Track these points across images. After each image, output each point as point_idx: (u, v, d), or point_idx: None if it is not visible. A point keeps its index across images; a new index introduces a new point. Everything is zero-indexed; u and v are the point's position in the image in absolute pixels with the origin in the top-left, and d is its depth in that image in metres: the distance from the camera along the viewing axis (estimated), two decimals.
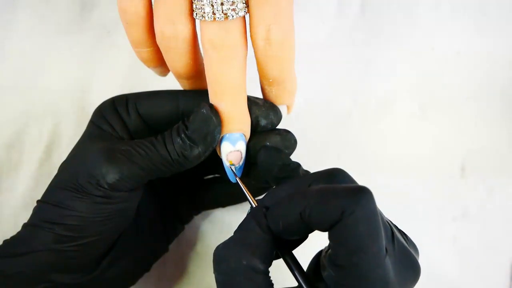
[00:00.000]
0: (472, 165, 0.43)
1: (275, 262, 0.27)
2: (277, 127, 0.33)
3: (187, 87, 0.34)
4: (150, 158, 0.30)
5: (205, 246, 0.42)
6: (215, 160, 0.33)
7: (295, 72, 0.32)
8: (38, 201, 0.32)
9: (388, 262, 0.25)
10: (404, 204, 0.42)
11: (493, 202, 0.42)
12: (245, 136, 0.32)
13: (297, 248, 0.29)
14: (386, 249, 0.25)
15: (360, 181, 0.28)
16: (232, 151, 0.31)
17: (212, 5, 0.28)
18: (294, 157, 0.32)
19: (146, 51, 0.32)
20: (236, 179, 0.32)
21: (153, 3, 0.30)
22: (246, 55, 0.30)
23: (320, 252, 0.29)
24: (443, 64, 0.45)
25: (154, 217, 0.37)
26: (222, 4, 0.28)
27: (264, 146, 0.32)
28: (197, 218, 0.41)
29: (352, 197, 0.24)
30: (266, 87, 0.32)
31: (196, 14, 0.28)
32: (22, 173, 0.43)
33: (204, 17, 0.28)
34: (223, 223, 0.42)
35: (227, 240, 0.27)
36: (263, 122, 0.32)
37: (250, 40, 0.30)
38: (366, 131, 0.44)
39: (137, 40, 0.32)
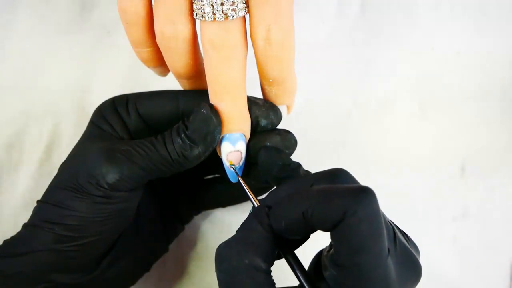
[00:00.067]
0: (472, 165, 0.43)
1: (276, 262, 0.27)
2: (277, 127, 0.33)
3: (187, 87, 0.34)
4: (150, 158, 0.30)
5: (205, 246, 0.42)
6: (215, 160, 0.33)
7: (295, 72, 0.32)
8: (38, 201, 0.32)
9: (390, 262, 0.25)
10: (404, 204, 0.42)
11: (493, 202, 0.42)
12: (245, 136, 0.32)
13: (298, 248, 0.29)
14: (388, 249, 0.25)
15: (360, 181, 0.28)
16: (232, 151, 0.31)
17: (212, 5, 0.28)
18: (294, 157, 0.32)
19: (146, 51, 0.32)
20: (238, 179, 0.32)
21: (153, 3, 0.30)
22: (246, 55, 0.30)
23: (321, 252, 0.29)
24: (443, 64, 0.45)
25: (154, 217, 0.37)
26: (222, 4, 0.28)
27: (264, 146, 0.32)
28: (197, 218, 0.41)
29: (354, 197, 0.24)
30: (266, 87, 0.32)
31: (196, 14, 0.28)
32: (22, 173, 0.43)
33: (204, 17, 0.28)
34: (223, 223, 0.42)
35: (229, 239, 0.27)
36: (263, 122, 0.32)
37: (250, 40, 0.30)
38: (366, 131, 0.44)
39: (137, 40, 0.32)
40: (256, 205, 0.29)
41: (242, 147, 0.31)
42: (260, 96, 0.33)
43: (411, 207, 0.42)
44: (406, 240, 0.28)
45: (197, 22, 0.30)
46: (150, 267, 0.37)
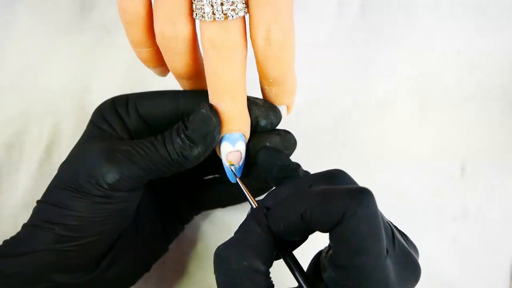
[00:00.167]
0: (472, 165, 0.43)
1: (274, 263, 0.27)
2: (277, 127, 0.33)
3: (187, 87, 0.34)
4: (150, 158, 0.30)
5: (205, 246, 0.41)
6: (215, 160, 0.33)
7: (295, 72, 0.32)
8: (38, 201, 0.32)
9: (389, 263, 0.25)
10: (404, 204, 0.42)
11: (493, 202, 0.42)
12: (244, 136, 0.32)
13: (296, 249, 0.29)
14: (387, 250, 0.25)
15: (360, 181, 0.28)
16: (232, 151, 0.31)
17: (212, 5, 0.28)
18: (294, 157, 0.32)
19: (146, 51, 0.32)
20: (236, 180, 0.32)
21: (153, 3, 0.30)
22: (246, 55, 0.30)
23: (319, 253, 0.29)
24: (443, 64, 0.45)
25: (154, 217, 0.37)
26: (222, 4, 0.28)
27: (264, 146, 0.32)
28: (197, 218, 0.41)
29: (353, 198, 0.24)
30: (266, 87, 0.32)
31: (196, 14, 0.28)
32: (22, 173, 0.43)
33: (204, 17, 0.28)
34: (223, 223, 0.42)
35: (227, 240, 0.27)
36: (263, 122, 0.32)
37: (250, 40, 0.30)
38: (366, 131, 0.44)
39: (137, 40, 0.32)
40: (254, 206, 0.29)
41: (241, 147, 0.31)
42: (260, 96, 0.33)
43: (411, 207, 0.42)
44: (405, 240, 0.28)
45: (197, 22, 0.30)
46: (150, 267, 0.37)
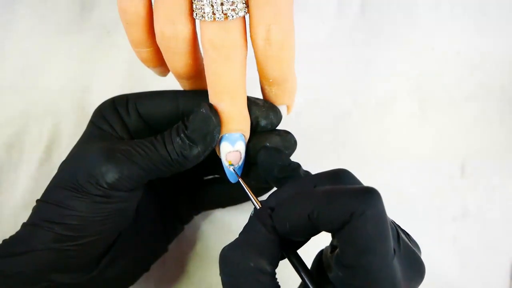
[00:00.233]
0: (472, 165, 0.43)
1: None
2: (277, 127, 0.33)
3: (187, 87, 0.34)
4: (150, 158, 0.30)
5: (205, 246, 0.41)
6: (215, 160, 0.32)
7: (295, 72, 0.32)
8: (37, 200, 0.32)
9: (396, 262, 0.25)
10: (404, 204, 0.42)
11: (493, 202, 0.42)
12: (244, 136, 0.32)
13: (300, 247, 0.28)
14: (394, 249, 0.25)
15: (360, 181, 0.28)
16: (231, 151, 0.31)
17: (212, 5, 0.28)
18: (294, 157, 0.32)
19: (146, 51, 0.32)
20: (238, 180, 0.32)
21: (153, 3, 0.30)
22: (246, 55, 0.30)
23: (321, 252, 0.29)
24: (443, 64, 0.45)
25: (154, 217, 0.37)
26: (222, 4, 0.28)
27: (264, 146, 0.32)
28: (197, 218, 0.41)
29: (361, 198, 0.24)
30: (266, 87, 0.32)
31: (196, 14, 0.28)
32: (22, 173, 0.43)
33: (204, 17, 0.28)
34: (223, 223, 0.42)
35: (233, 241, 0.27)
36: (263, 122, 0.32)
37: (250, 40, 0.30)
38: (366, 131, 0.44)
39: (137, 40, 0.32)
40: (258, 207, 0.29)
41: (241, 147, 0.31)
42: (260, 96, 0.33)
43: (411, 207, 0.42)
44: (408, 239, 0.28)
45: (197, 22, 0.30)
46: (149, 267, 0.37)
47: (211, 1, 0.28)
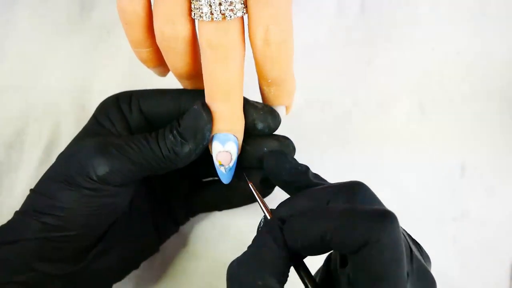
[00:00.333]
0: (472, 165, 0.42)
1: None
2: (276, 132, 0.33)
3: (188, 87, 0.34)
4: (142, 153, 0.30)
5: (204, 246, 0.41)
6: (212, 162, 0.32)
7: (294, 73, 0.32)
8: (30, 190, 0.32)
9: (409, 285, 0.25)
10: (404, 204, 0.42)
11: (493, 202, 0.42)
12: (237, 138, 0.31)
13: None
14: (407, 273, 0.25)
15: (376, 195, 0.28)
16: (222, 151, 0.31)
17: (210, 5, 0.28)
18: (294, 157, 0.32)
19: (146, 51, 0.32)
20: (229, 180, 0.31)
21: (152, 3, 0.30)
22: (244, 56, 0.30)
23: (328, 258, 0.28)
24: (443, 64, 0.45)
25: (146, 217, 0.37)
26: (220, 4, 0.28)
27: (270, 150, 0.32)
28: (195, 218, 0.41)
29: (378, 223, 0.24)
30: (264, 87, 0.32)
31: (194, 14, 0.28)
32: (22, 173, 0.43)
33: (202, 17, 0.28)
34: (222, 223, 0.42)
35: (241, 256, 0.26)
36: (260, 125, 0.32)
37: (248, 40, 0.30)
38: (366, 131, 0.44)
39: (136, 40, 0.32)
40: (268, 217, 0.28)
41: (231, 148, 0.31)
42: (259, 96, 0.33)
43: (411, 207, 0.42)
44: (419, 252, 0.27)
45: (196, 22, 0.29)
46: (138, 265, 0.37)
47: (209, 1, 0.28)
